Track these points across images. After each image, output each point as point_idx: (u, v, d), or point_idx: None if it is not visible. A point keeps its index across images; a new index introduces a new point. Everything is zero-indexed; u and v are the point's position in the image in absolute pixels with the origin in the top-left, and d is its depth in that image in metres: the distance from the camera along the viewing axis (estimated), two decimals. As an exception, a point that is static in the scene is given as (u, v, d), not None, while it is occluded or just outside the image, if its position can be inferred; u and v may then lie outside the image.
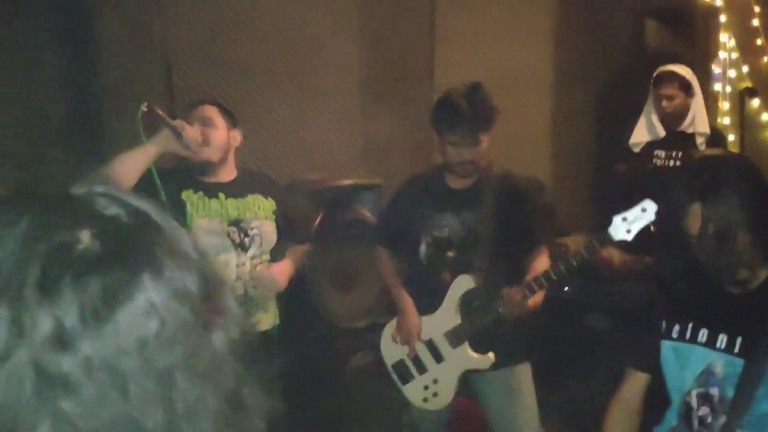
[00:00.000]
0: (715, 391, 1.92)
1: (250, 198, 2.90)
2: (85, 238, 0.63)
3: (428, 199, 3.01)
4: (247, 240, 2.84)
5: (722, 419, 1.89)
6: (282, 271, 2.93)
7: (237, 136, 2.93)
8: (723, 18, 5.24)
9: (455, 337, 2.95)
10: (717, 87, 5.25)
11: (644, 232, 2.68)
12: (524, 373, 3.03)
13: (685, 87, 4.09)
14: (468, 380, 3.04)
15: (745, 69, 5.26)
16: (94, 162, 2.62)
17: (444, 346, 2.98)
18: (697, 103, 4.15)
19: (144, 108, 2.53)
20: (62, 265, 0.61)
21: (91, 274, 0.61)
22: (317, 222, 3.97)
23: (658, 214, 2.61)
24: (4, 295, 0.60)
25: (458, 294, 2.95)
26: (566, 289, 4.16)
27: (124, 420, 0.60)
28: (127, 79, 3.76)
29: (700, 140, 4.15)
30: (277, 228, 2.96)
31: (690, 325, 1.99)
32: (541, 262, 2.93)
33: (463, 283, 2.94)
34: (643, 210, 2.65)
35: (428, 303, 3.00)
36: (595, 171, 5.43)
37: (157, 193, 2.62)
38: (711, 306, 1.97)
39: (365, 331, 3.94)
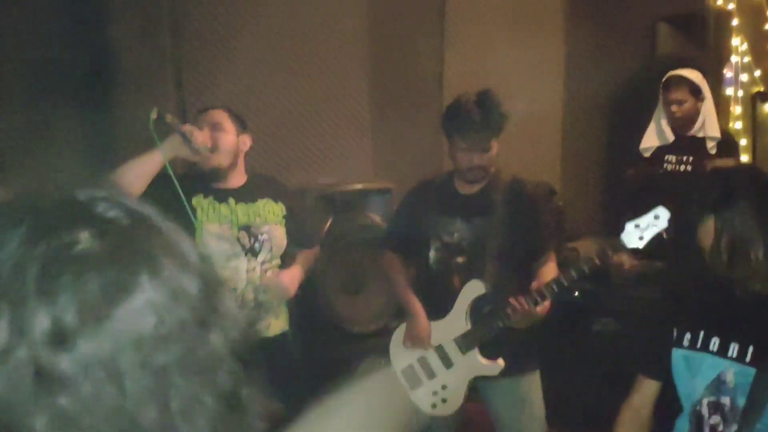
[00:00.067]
0: (726, 400, 1.91)
1: (260, 203, 2.91)
2: (84, 238, 0.64)
3: (438, 205, 3.01)
4: (257, 245, 2.85)
5: (733, 428, 1.89)
6: (291, 277, 2.93)
7: (246, 141, 2.93)
8: (735, 22, 5.22)
9: (465, 343, 2.95)
10: (729, 91, 5.22)
11: (656, 238, 2.67)
12: (533, 381, 3.03)
13: (695, 91, 4.08)
14: (476, 387, 3.03)
15: (757, 73, 5.22)
16: (105, 168, 2.63)
17: (454, 352, 2.98)
18: (707, 107, 4.14)
19: (154, 115, 2.55)
20: (61, 265, 0.62)
21: (90, 273, 0.62)
22: (327, 226, 3.98)
23: (670, 223, 2.60)
24: (3, 295, 0.61)
25: (468, 299, 2.94)
26: (576, 294, 4.15)
27: (120, 416, 0.61)
28: (138, 84, 3.78)
29: (710, 144, 4.13)
30: (287, 233, 2.96)
31: (701, 334, 1.99)
32: (550, 268, 2.93)
33: (473, 288, 2.93)
34: (656, 217, 2.65)
35: (438, 308, 3.00)
36: (606, 176, 5.42)
37: (178, 197, 2.64)
38: (723, 314, 1.97)
39: (375, 335, 3.93)
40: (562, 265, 3.01)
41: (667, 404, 2.10)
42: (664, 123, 4.19)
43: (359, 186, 4.28)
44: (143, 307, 0.63)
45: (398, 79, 4.76)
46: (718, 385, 1.93)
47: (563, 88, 5.40)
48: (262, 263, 2.86)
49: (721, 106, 4.95)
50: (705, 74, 4.22)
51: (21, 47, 3.63)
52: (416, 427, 3.12)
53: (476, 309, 2.95)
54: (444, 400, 3.01)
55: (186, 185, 2.76)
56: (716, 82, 4.95)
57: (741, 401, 1.88)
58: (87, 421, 0.60)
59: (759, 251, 1.83)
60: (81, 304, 0.61)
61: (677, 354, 2.03)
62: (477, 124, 2.81)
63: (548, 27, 5.28)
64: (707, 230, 1.87)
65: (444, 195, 3.02)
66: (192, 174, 2.85)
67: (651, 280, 4.02)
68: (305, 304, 3.20)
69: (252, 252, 2.84)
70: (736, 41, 5.22)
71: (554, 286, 2.78)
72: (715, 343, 1.95)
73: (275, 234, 2.91)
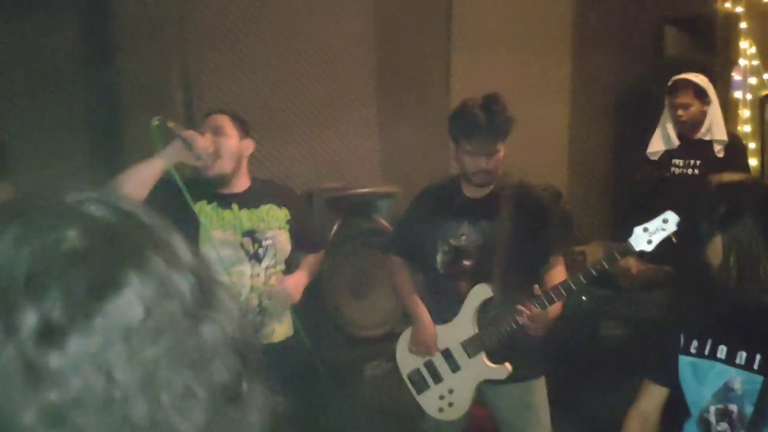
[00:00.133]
0: (734, 408, 1.90)
1: (263, 208, 2.89)
2: (71, 236, 0.64)
3: (445, 208, 3.01)
4: (261, 251, 2.84)
5: (741, 435, 1.88)
6: (295, 283, 2.93)
7: (249, 145, 2.91)
8: (743, 25, 5.20)
9: (472, 347, 2.94)
10: (737, 94, 5.21)
11: (664, 242, 2.66)
12: (539, 387, 3.02)
13: (701, 95, 4.07)
14: (482, 392, 3.03)
15: (765, 76, 5.20)
16: (112, 173, 2.64)
17: (461, 356, 2.97)
18: (714, 110, 4.12)
19: (156, 122, 2.55)
20: (48, 262, 0.62)
21: (77, 269, 0.63)
22: (334, 230, 3.98)
23: (678, 226, 2.60)
24: None
25: (475, 303, 2.94)
26: (584, 298, 4.14)
27: (110, 409, 0.62)
28: (145, 88, 3.79)
29: (717, 148, 4.12)
30: (291, 237, 2.95)
31: (709, 342, 1.98)
32: (558, 272, 2.92)
33: (480, 292, 2.93)
34: (665, 221, 2.64)
35: (445, 312, 2.99)
36: (613, 180, 5.40)
37: (185, 204, 2.63)
38: (731, 323, 1.96)
39: (382, 339, 3.93)
40: (570, 269, 3.01)
41: (675, 410, 2.09)
42: (670, 127, 4.18)
43: (366, 190, 4.28)
44: (131, 300, 0.64)
45: (405, 83, 4.76)
46: (725, 392, 1.92)
47: (570, 91, 5.39)
48: (267, 269, 2.85)
49: (730, 110, 4.93)
50: (712, 77, 4.21)
51: (26, 51, 3.65)
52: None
53: (483, 313, 2.94)
54: (451, 404, 3.01)
55: (189, 191, 2.74)
56: (724, 86, 4.93)
57: (749, 409, 1.87)
58: (77, 415, 0.61)
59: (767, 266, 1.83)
60: (69, 301, 0.61)
61: (684, 361, 2.02)
62: (484, 128, 2.81)
63: (556, 30, 5.27)
64: (715, 248, 1.87)
65: (451, 199, 3.02)
66: (195, 180, 2.84)
67: (659, 284, 4.00)
68: (311, 308, 3.19)
69: (256, 258, 2.83)
70: (744, 44, 5.21)
71: (562, 290, 2.77)
72: (722, 351, 1.95)
73: (279, 239, 2.90)
